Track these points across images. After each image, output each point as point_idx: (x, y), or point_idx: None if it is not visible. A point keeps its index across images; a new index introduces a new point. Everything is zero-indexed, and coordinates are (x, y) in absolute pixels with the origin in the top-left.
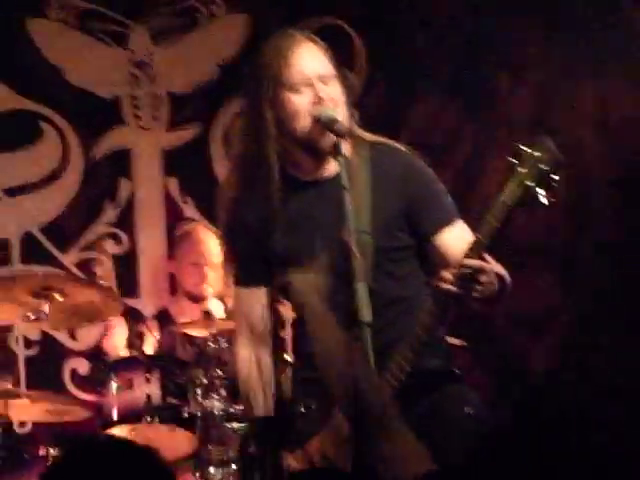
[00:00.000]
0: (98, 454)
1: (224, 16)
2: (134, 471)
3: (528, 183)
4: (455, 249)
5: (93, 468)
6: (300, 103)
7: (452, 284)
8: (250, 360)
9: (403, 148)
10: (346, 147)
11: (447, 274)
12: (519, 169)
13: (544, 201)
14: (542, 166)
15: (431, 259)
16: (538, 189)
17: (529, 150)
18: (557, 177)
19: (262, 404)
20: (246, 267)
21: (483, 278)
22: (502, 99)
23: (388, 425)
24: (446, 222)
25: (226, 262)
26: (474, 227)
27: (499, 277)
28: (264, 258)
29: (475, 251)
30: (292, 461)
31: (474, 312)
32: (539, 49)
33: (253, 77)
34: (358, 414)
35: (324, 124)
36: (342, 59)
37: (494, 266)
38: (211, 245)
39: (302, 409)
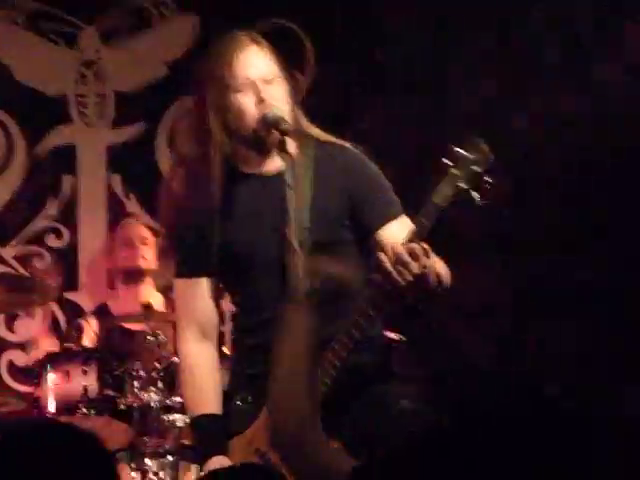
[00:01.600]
0: (37, 436)
1: (174, 17)
2: (73, 453)
3: (461, 185)
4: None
5: (31, 450)
6: (244, 103)
7: (387, 267)
8: (195, 354)
9: (350, 146)
10: (292, 145)
11: (383, 255)
12: (452, 171)
13: (477, 202)
14: (475, 168)
15: (372, 254)
16: (471, 191)
17: (462, 152)
18: (489, 179)
19: (211, 400)
20: (188, 258)
21: (418, 262)
22: (452, 98)
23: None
24: (390, 216)
25: (167, 256)
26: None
27: (437, 274)
28: (206, 249)
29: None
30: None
31: (411, 306)
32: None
33: (198, 79)
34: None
35: (269, 123)
36: (292, 59)
37: (435, 261)
38: (142, 227)
39: (239, 402)
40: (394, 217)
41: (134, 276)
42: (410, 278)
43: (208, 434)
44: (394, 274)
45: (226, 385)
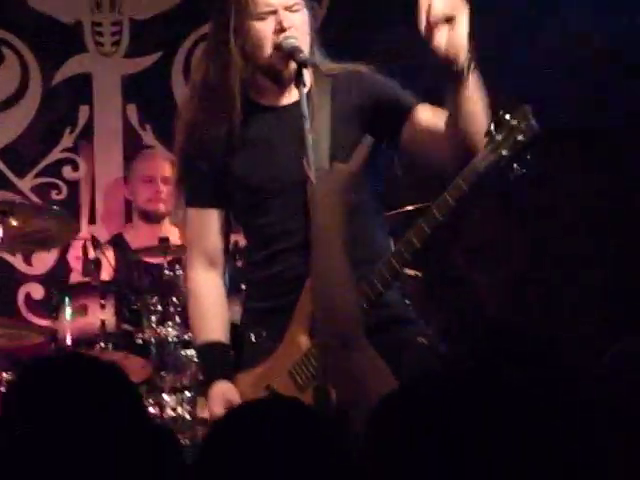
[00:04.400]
0: (60, 369)
1: None
2: (100, 386)
3: (503, 152)
4: (436, 116)
5: (55, 383)
6: (263, 31)
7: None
8: (202, 282)
9: (364, 69)
10: (308, 76)
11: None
12: (496, 136)
13: (517, 171)
14: (519, 137)
15: (410, 143)
16: (511, 159)
17: (508, 117)
18: (530, 150)
19: (216, 327)
20: (200, 188)
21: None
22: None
23: (359, 345)
24: (415, 103)
25: (180, 184)
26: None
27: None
28: (219, 181)
29: (441, 210)
30: (235, 387)
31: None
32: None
33: (218, 4)
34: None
35: (286, 52)
36: None
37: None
38: (163, 162)
39: (253, 338)
40: (417, 104)
41: (154, 216)
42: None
43: (212, 360)
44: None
45: (238, 320)
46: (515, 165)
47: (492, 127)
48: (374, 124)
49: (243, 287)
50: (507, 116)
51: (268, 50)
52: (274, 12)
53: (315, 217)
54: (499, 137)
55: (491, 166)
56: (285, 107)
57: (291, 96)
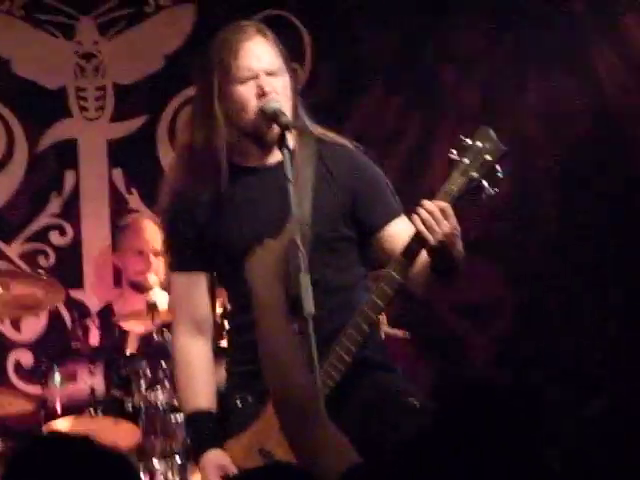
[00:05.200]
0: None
1: (171, 7)
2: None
3: (472, 174)
4: (402, 241)
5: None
6: (246, 95)
7: (418, 224)
8: (188, 349)
9: (349, 144)
10: (291, 139)
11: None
12: (462, 159)
13: (488, 192)
14: (485, 156)
15: (376, 252)
16: (482, 180)
17: (471, 141)
18: (500, 168)
19: (203, 395)
20: (186, 253)
21: (449, 220)
22: (447, 92)
23: (315, 420)
24: (392, 216)
25: (166, 250)
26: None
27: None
28: (205, 245)
29: (418, 243)
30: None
31: (417, 301)
32: (485, 44)
33: (202, 68)
34: (288, 407)
35: (269, 116)
36: (288, 50)
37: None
38: (154, 233)
39: (239, 402)
40: (397, 216)
41: (144, 286)
42: (441, 237)
43: (200, 429)
44: (425, 231)
45: (223, 384)
46: (486, 185)
47: (455, 154)
48: (352, 210)
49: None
50: (468, 141)
51: (251, 114)
52: (256, 77)
53: (253, 293)
54: (466, 160)
55: (462, 189)
56: (268, 167)
57: (274, 156)
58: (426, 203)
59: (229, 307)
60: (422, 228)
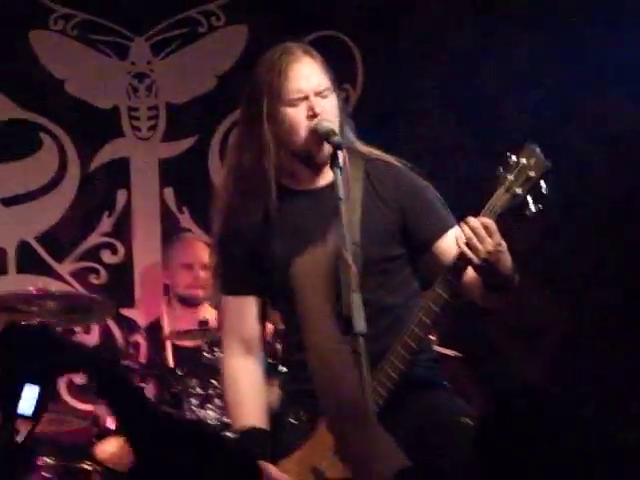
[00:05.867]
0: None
1: (223, 28)
2: None
3: (516, 191)
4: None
5: None
6: (296, 116)
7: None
8: (238, 369)
9: (395, 161)
10: (342, 158)
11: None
12: (507, 176)
13: (532, 209)
14: (530, 173)
15: (430, 267)
16: (527, 197)
17: (516, 158)
18: (545, 185)
19: (253, 413)
20: (236, 276)
21: (492, 238)
22: (500, 113)
23: (365, 423)
24: (444, 229)
25: (216, 272)
26: None
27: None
28: (255, 267)
29: (463, 260)
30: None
31: (469, 322)
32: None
33: (250, 91)
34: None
35: (321, 136)
36: (339, 70)
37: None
38: (202, 249)
39: (293, 420)
40: (448, 229)
41: (193, 301)
42: (484, 254)
43: (250, 445)
44: (468, 251)
45: (278, 403)
46: (531, 202)
47: (500, 170)
48: (403, 228)
49: (282, 369)
50: (513, 157)
51: (302, 135)
52: (306, 98)
53: (297, 299)
54: (510, 177)
55: (506, 206)
56: (319, 189)
57: (323, 178)
58: (470, 220)
59: (281, 327)
60: (465, 248)
